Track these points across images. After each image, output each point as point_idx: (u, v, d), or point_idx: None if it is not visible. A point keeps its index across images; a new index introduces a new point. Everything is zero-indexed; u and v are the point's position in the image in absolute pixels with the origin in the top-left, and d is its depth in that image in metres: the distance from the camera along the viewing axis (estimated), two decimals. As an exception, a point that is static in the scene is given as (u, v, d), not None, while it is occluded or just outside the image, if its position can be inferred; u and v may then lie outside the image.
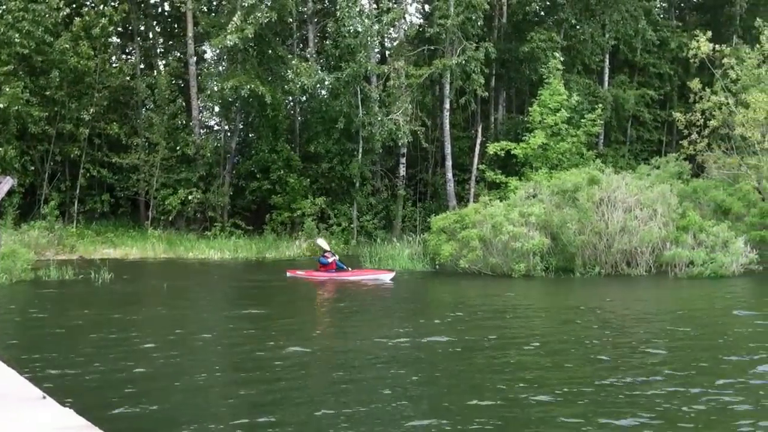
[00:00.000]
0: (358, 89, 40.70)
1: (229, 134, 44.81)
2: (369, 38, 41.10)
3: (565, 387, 10.90)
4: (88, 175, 41.04)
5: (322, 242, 30.56)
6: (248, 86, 38.73)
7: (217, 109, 45.84)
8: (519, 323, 17.62)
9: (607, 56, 48.87)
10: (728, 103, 35.61)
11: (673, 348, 14.08)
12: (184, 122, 43.77)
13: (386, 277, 26.91)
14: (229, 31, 38.39)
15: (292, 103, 45.63)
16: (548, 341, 15.09)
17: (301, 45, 46.83)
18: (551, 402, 10.16)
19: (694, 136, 36.47)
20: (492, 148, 40.96)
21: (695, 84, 36.57)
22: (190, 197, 40.85)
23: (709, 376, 11.55)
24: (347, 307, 21.45)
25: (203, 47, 45.65)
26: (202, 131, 44.98)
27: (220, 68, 44.06)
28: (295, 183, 41.37)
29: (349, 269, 28.00)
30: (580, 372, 12.19)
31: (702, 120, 36.25)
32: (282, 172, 41.62)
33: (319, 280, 26.94)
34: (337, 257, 28.26)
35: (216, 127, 47.64)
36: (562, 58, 42.14)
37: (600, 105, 43.07)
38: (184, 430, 8.87)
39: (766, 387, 10.88)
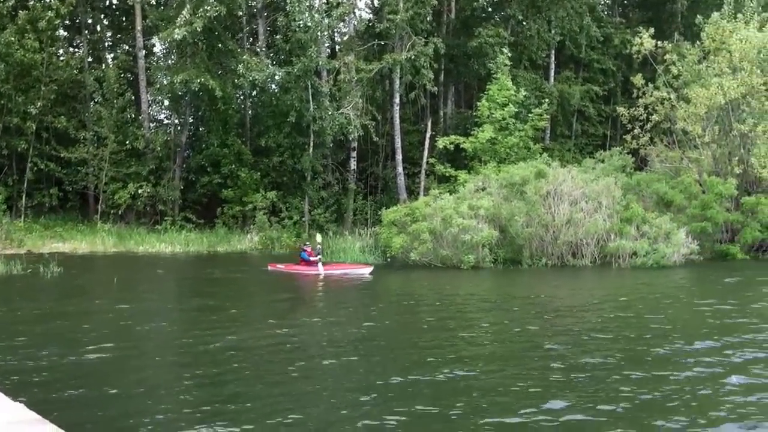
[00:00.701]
0: (309, 84, 40.87)
1: (179, 128, 44.65)
2: (319, 33, 41.29)
3: (496, 367, 11.64)
4: (35, 168, 40.58)
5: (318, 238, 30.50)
6: (198, 80, 38.70)
7: (166, 102, 45.54)
8: (461, 311, 18.31)
9: (553, 52, 49.68)
10: (670, 98, 36.43)
11: (606, 333, 14.82)
12: (133, 116, 43.51)
13: (365, 271, 27.17)
14: (177, 24, 38.26)
15: (242, 97, 45.65)
16: (487, 327, 15.91)
17: (251, 39, 46.85)
18: (480, 379, 10.82)
19: (637, 130, 37.31)
20: (441, 142, 41.48)
21: (638, 79, 37.33)
22: (140, 191, 40.72)
23: (637, 359, 12.34)
24: (296, 298, 21.85)
25: (152, 41, 45.42)
26: (151, 125, 44.83)
27: (170, 62, 43.87)
28: (246, 177, 41.44)
29: (329, 263, 28.44)
30: (514, 354, 12.91)
31: (645, 115, 37.06)
32: (233, 166, 41.67)
33: (300, 274, 27.07)
34: (320, 257, 28.03)
35: (166, 121, 47.48)
36: (509, 54, 42.77)
37: (546, 100, 43.80)
38: (133, 418, 9.03)
39: (690, 367, 11.60)
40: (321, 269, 27.22)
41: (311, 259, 27.60)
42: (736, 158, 34.35)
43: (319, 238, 30.27)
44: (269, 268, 27.97)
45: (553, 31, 47.90)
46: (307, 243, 29.12)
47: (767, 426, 8.62)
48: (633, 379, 10.84)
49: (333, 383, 10.86)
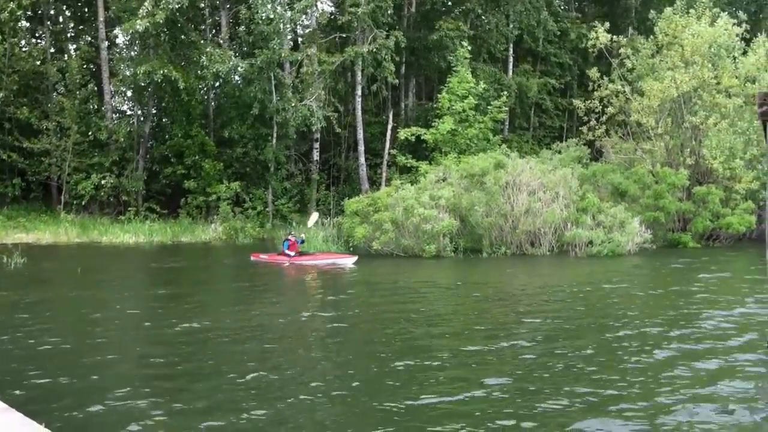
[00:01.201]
0: (272, 75, 41.29)
1: (142, 119, 44.78)
2: (282, 25, 41.65)
3: (449, 352, 12.12)
4: (-2, 159, 40.64)
5: (313, 217, 30.58)
6: (161, 71, 38.93)
7: (129, 93, 45.76)
8: (420, 298, 18.84)
9: (511, 46, 50.49)
10: (624, 91, 37.24)
11: (557, 318, 15.47)
12: (96, 107, 43.54)
13: (348, 261, 26.89)
14: (140, 16, 38.43)
15: (205, 89, 45.87)
16: (442, 313, 16.50)
17: (214, 31, 47.05)
18: (432, 363, 11.31)
19: (593, 122, 37.92)
20: (403, 134, 42.06)
21: (594, 73, 38.05)
22: (103, 182, 40.84)
23: (583, 340, 13.01)
24: (259, 287, 21.86)
25: (115, 32, 45.47)
26: (114, 116, 44.86)
27: (132, 53, 44.00)
28: (210, 167, 41.73)
29: (303, 237, 28.28)
30: (468, 338, 13.45)
31: (600, 107, 37.71)
32: (196, 156, 41.93)
33: (281, 264, 26.80)
34: (294, 238, 27.90)
35: (129, 112, 47.50)
36: (468, 47, 43.45)
37: (505, 92, 44.58)
38: (97, 404, 9.15)
39: (625, 348, 12.29)
40: (306, 255, 27.33)
41: (287, 252, 27.29)
42: (688, 150, 35.35)
43: (315, 216, 30.48)
44: (252, 258, 27.92)
45: (511, 25, 48.73)
46: (292, 233, 28.84)
47: (708, 406, 9.17)
48: (584, 362, 11.53)
49: (289, 369, 11.17)
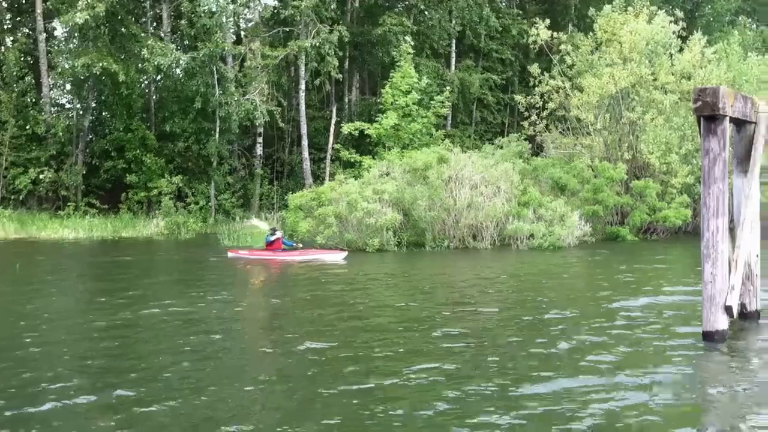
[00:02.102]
0: (215, 69, 41.09)
1: (81, 112, 44.12)
2: (224, 18, 41.52)
3: (381, 340, 12.46)
4: (-68, 153, 39.80)
5: (257, 222, 29.49)
6: (100, 64, 38.47)
7: (68, 86, 45.08)
8: (359, 290, 19.07)
9: (454, 41, 50.95)
10: (564, 87, 37.72)
11: (488, 307, 15.91)
12: (34, 100, 42.89)
13: (338, 256, 26.15)
14: (79, 8, 37.96)
15: (146, 82, 45.45)
16: (379, 305, 16.72)
17: (155, 24, 46.66)
18: (364, 352, 11.64)
19: (534, 117, 38.24)
20: (346, 128, 42.18)
21: (534, 69, 38.37)
22: (41, 176, 40.28)
23: (509, 328, 13.40)
24: (199, 281, 21.70)
25: (53, 24, 44.77)
26: (53, 109, 44.19)
27: (71, 45, 43.37)
28: (151, 162, 41.40)
29: (300, 246, 27.14)
30: (401, 327, 13.70)
31: (541, 103, 38.06)
32: (137, 151, 41.57)
33: (262, 260, 26.10)
34: (280, 233, 27.40)
35: (68, 105, 46.80)
36: (412, 42, 43.74)
37: (448, 88, 44.99)
38: (34, 396, 9.28)
39: (547, 334, 12.69)
40: (291, 251, 26.58)
41: (271, 239, 26.62)
42: (626, 145, 35.96)
43: (258, 223, 29.73)
44: (229, 254, 27.11)
45: (453, 21, 49.14)
46: (275, 228, 28.24)
47: (626, 392, 9.45)
48: (508, 347, 11.90)
49: (227, 360, 11.36)
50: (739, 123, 12.72)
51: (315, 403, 9.06)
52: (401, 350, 11.75)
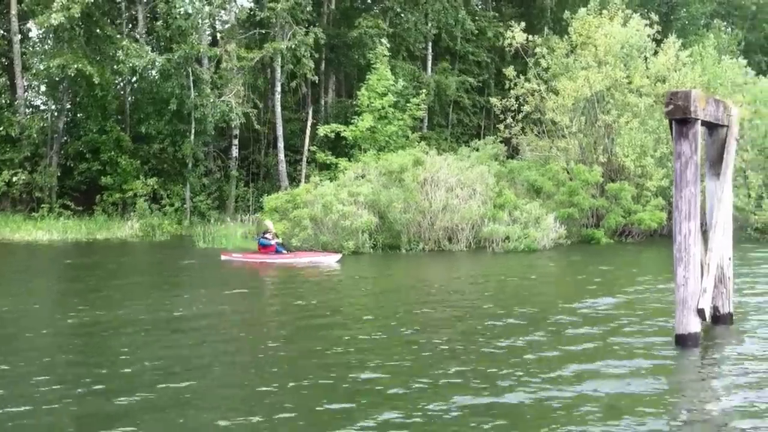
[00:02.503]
0: (190, 71, 40.87)
1: (56, 114, 43.77)
2: (200, 20, 41.35)
3: (346, 338, 12.72)
4: None
5: (268, 224, 28.27)
6: (75, 66, 38.20)
7: (43, 88, 44.72)
8: (330, 291, 19.26)
9: (430, 44, 51.02)
10: (540, 90, 37.75)
11: (455, 308, 16.09)
12: (8, 101, 42.42)
13: (332, 259, 25.86)
14: (54, 9, 37.63)
15: (121, 84, 45.15)
16: (348, 304, 16.94)
17: (131, 25, 46.35)
18: (329, 349, 11.87)
19: (510, 120, 38.25)
20: (322, 130, 42.08)
21: (510, 72, 38.36)
22: (15, 178, 39.86)
23: (475, 326, 13.50)
24: (168, 281, 21.87)
25: (28, 25, 44.37)
26: (27, 111, 43.71)
27: (46, 47, 43.04)
28: (126, 164, 41.14)
29: (289, 252, 26.59)
30: (366, 326, 13.98)
31: (516, 105, 38.06)
32: (112, 152, 41.27)
33: (255, 263, 25.72)
34: (279, 240, 26.84)
35: (42, 107, 46.37)
36: (388, 45, 43.75)
37: (424, 90, 45.01)
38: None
39: (511, 334, 12.82)
40: (284, 255, 26.09)
41: (270, 242, 26.22)
42: (601, 147, 36.14)
43: (269, 224, 28.60)
44: (222, 257, 26.61)
45: (429, 24, 49.20)
46: (267, 229, 27.53)
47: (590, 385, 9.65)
48: (471, 344, 11.94)
49: (194, 360, 11.43)
50: (711, 126, 12.81)
51: (273, 397, 9.25)
52: (362, 347, 12.02)
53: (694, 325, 11.54)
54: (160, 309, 15.89)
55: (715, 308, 12.81)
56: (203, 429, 8.29)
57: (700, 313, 11.52)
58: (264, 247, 26.40)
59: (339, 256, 26.25)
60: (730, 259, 13.13)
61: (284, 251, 26.52)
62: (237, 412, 8.72)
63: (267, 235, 26.69)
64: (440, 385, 9.68)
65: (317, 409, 8.86)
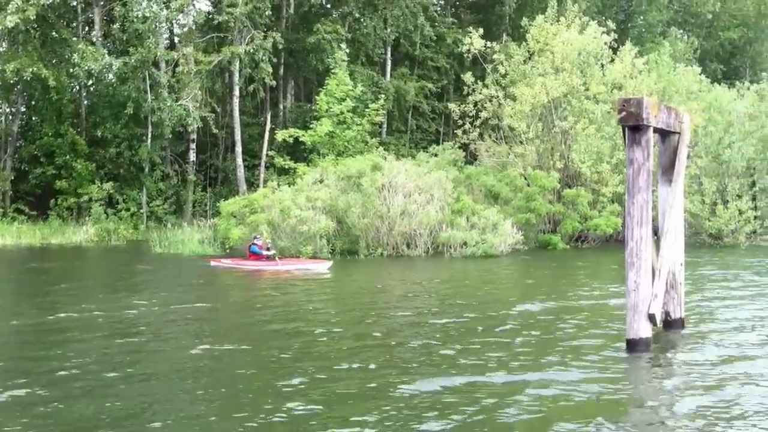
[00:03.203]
0: (147, 74, 40.55)
1: (10, 117, 43.23)
2: (157, 24, 41.01)
3: (284, 342, 12.88)
4: None
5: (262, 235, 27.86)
6: (30, 69, 37.73)
7: (-3, 91, 44.11)
8: (275, 295, 19.37)
9: (389, 49, 51.11)
10: (498, 96, 38.00)
11: (401, 313, 16.11)
12: (-39, 105, 41.90)
13: (322, 267, 25.26)
14: (9, 11, 37.17)
15: (77, 87, 44.61)
16: (297, 310, 16.91)
17: (87, 28, 45.85)
18: (274, 354, 12.01)
19: (468, 126, 38.44)
20: (281, 135, 41.91)
21: (468, 78, 38.51)
22: (-34, 182, 39.33)
23: (445, 332, 13.51)
24: (121, 285, 21.76)
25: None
26: (-20, 114, 43.19)
27: (1, 49, 42.41)
28: (82, 168, 40.75)
29: (278, 259, 25.88)
30: (307, 330, 14.07)
31: (475, 111, 38.25)
32: (67, 156, 40.85)
33: (245, 270, 25.19)
34: (270, 253, 26.05)
35: (-4, 110, 45.81)
36: (347, 50, 43.76)
37: (383, 95, 45.07)
38: None
39: (467, 335, 12.81)
40: (277, 263, 25.46)
41: (263, 252, 25.72)
42: (558, 153, 36.42)
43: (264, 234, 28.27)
44: (211, 263, 26.21)
45: (388, 29, 49.29)
46: (257, 236, 27.10)
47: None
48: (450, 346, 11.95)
49: (142, 362, 11.53)
50: (663, 133, 12.93)
51: (219, 400, 9.32)
52: (310, 351, 12.11)
53: (645, 330, 11.60)
54: (107, 312, 15.85)
55: (666, 313, 12.92)
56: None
57: (651, 318, 11.58)
58: (254, 255, 25.86)
59: (329, 263, 25.67)
60: (681, 264, 13.25)
61: (274, 257, 25.98)
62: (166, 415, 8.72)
63: (257, 242, 26.17)
64: (382, 395, 9.61)
65: (269, 408, 8.89)
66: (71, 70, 40.38)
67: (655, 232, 12.29)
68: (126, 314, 15.68)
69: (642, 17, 60.33)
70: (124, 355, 11.81)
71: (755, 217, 34.07)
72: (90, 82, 43.11)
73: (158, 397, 9.50)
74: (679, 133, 13.04)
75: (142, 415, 8.74)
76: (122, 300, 17.87)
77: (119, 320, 14.98)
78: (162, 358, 11.88)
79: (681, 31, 62.99)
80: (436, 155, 37.88)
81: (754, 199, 35.60)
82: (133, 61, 39.70)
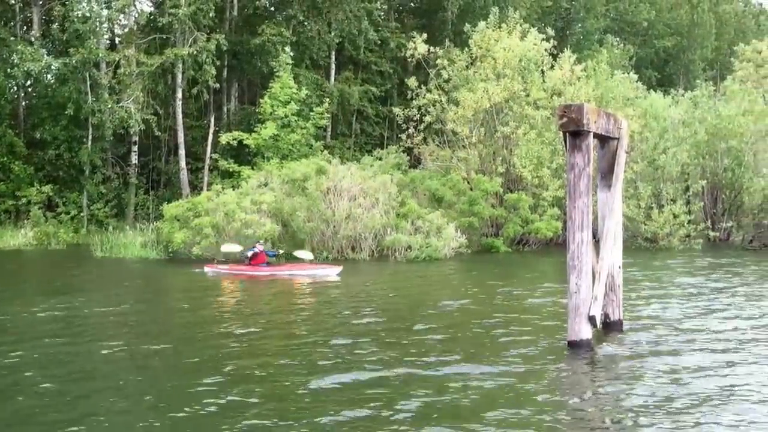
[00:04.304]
0: (87, 75, 40.08)
1: (-55, 118, 42.36)
2: (98, 24, 40.57)
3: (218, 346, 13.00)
4: None
5: (230, 247, 26.89)
6: (-34, 70, 37.17)
7: (-69, 90, 43.18)
8: (203, 300, 19.42)
9: (333, 53, 51.20)
10: (441, 101, 38.33)
11: (330, 317, 16.40)
12: None
13: (332, 272, 24.63)
14: (-55, 9, 36.56)
15: (15, 88, 43.90)
16: (227, 312, 17.20)
17: (25, 28, 45.13)
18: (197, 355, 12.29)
19: (412, 130, 38.74)
20: (225, 138, 41.74)
21: (412, 82, 38.80)
22: None
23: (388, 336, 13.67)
24: (57, 287, 21.76)
25: None
26: None
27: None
28: (20, 170, 40.11)
29: (279, 252, 25.72)
30: (230, 332, 14.31)
31: (418, 116, 38.53)
32: (5, 158, 40.21)
33: (245, 276, 24.41)
34: (262, 246, 25.55)
35: (-70, 111, 44.80)
36: (291, 53, 43.75)
37: (327, 99, 45.17)
38: None
39: (409, 336, 13.04)
40: (279, 266, 25.02)
41: (257, 251, 25.02)
42: (500, 158, 36.88)
43: (230, 247, 27.05)
44: (206, 269, 25.31)
45: (333, 33, 49.37)
46: (260, 241, 26.58)
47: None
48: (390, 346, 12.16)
49: (80, 365, 11.66)
50: (602, 139, 13.28)
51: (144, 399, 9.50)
52: (231, 351, 12.53)
53: (585, 332, 11.95)
54: (38, 314, 15.91)
55: (605, 315, 13.26)
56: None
57: (592, 320, 11.93)
58: (253, 259, 25.16)
59: (339, 268, 24.92)
60: (620, 267, 13.64)
61: (276, 253, 25.50)
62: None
63: (258, 246, 25.59)
64: (290, 390, 9.98)
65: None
66: (9, 70, 39.76)
67: (595, 235, 12.62)
68: (57, 316, 15.80)
69: (580, 25, 61.39)
70: (53, 356, 12.00)
71: (689, 221, 34.89)
72: (28, 82, 42.49)
73: (79, 395, 9.79)
74: (618, 139, 13.40)
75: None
76: (55, 302, 17.85)
77: (51, 321, 15.12)
78: (86, 358, 12.13)
79: (617, 38, 64.17)
80: (380, 159, 38.08)
81: (687, 203, 36.48)
82: (73, 61, 39.21)
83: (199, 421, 8.78)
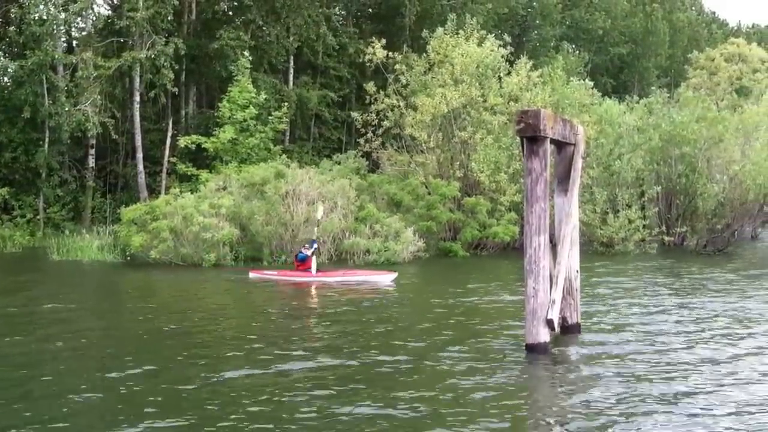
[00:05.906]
0: (44, 78, 39.70)
1: None
2: (55, 27, 40.22)
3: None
4: None
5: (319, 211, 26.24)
6: None
7: None
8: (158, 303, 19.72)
9: (292, 58, 51.28)
10: (399, 106, 38.48)
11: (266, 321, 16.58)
12: None
13: (386, 278, 23.59)
14: None
15: (-30, 90, 43.37)
16: (171, 314, 17.33)
17: (-19, 30, 44.65)
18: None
19: (370, 135, 38.79)
20: (183, 142, 41.62)
21: (370, 87, 38.78)
22: None
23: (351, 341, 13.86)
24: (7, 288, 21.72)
25: None
26: None
27: None
28: (-25, 173, 39.64)
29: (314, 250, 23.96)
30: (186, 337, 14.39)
31: (377, 120, 38.56)
32: (-41, 161, 39.69)
33: (290, 283, 23.49)
34: (314, 248, 24.11)
35: None
36: (250, 57, 43.71)
37: (286, 103, 45.18)
38: None
39: (368, 344, 13.26)
40: (313, 270, 23.70)
41: (307, 254, 23.81)
42: (458, 163, 37.15)
43: (320, 211, 26.50)
44: (250, 275, 24.67)
45: (291, 38, 49.43)
46: (306, 245, 25.03)
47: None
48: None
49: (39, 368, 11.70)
50: (559, 144, 13.56)
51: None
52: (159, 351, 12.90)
53: (543, 335, 12.19)
54: None
55: (563, 318, 13.52)
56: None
57: (549, 323, 12.18)
58: (302, 263, 24.11)
59: (394, 275, 23.77)
60: (577, 271, 13.94)
61: (312, 253, 23.90)
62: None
63: (305, 246, 24.62)
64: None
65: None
66: (-36, 73, 39.36)
67: (552, 240, 12.88)
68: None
69: (536, 32, 62.17)
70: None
71: (644, 226, 35.43)
72: (-16, 85, 42.03)
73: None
74: (574, 145, 13.69)
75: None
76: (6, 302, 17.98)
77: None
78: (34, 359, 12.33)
79: (573, 45, 65.11)
80: (339, 163, 38.23)
81: (642, 208, 37.01)
82: (29, 64, 38.79)
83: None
